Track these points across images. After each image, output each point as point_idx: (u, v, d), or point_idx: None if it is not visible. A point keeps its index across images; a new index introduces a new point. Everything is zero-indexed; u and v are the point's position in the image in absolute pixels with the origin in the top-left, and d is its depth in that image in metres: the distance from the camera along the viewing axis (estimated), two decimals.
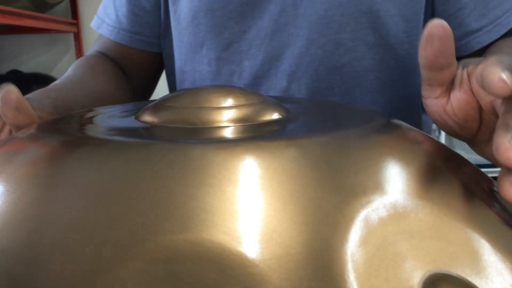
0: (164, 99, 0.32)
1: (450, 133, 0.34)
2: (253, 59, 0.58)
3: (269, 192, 0.22)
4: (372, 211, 0.22)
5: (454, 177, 0.27)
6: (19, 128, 0.35)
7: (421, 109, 0.63)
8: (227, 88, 0.32)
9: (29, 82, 2.22)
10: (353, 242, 0.21)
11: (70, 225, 0.21)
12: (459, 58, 0.32)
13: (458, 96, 0.32)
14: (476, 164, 0.32)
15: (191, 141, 0.25)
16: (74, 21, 2.31)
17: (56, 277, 0.19)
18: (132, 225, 0.20)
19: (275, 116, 0.31)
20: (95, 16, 0.70)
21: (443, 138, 2.08)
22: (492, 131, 0.31)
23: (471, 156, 0.45)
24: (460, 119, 0.33)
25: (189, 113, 0.30)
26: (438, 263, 0.21)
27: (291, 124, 0.30)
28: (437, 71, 0.32)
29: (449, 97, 0.33)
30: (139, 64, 0.70)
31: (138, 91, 0.71)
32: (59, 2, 2.15)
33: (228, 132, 0.28)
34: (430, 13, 0.59)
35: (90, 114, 0.36)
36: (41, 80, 2.25)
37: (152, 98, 0.73)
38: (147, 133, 0.30)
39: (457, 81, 0.32)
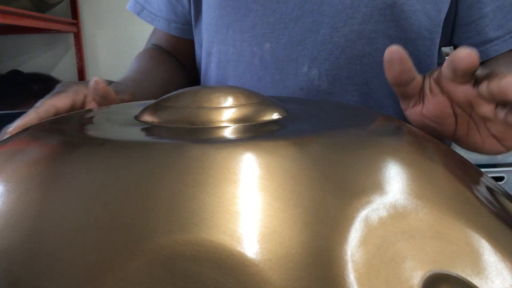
0: (164, 99, 0.32)
1: (434, 134, 0.38)
2: (275, 42, 0.59)
3: (269, 192, 0.22)
4: (372, 211, 0.22)
5: (454, 177, 0.27)
6: (103, 105, 0.46)
7: None
8: (227, 88, 0.32)
9: (29, 82, 2.22)
10: (353, 242, 0.21)
11: (70, 225, 0.21)
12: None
13: (431, 99, 0.39)
14: (476, 164, 0.33)
15: (191, 141, 0.25)
16: (74, 21, 2.31)
17: (56, 277, 0.19)
18: (132, 225, 0.20)
19: (275, 116, 0.31)
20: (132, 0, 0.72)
21: None
22: (467, 123, 0.39)
23: (471, 156, 0.45)
24: (438, 117, 0.39)
25: (189, 113, 0.30)
26: (438, 263, 0.21)
27: (291, 124, 0.30)
28: (405, 86, 0.39)
29: (423, 103, 0.40)
30: (186, 52, 0.74)
31: (192, 77, 0.75)
32: (59, 2, 2.15)
33: (228, 132, 0.28)
34: (453, 17, 0.60)
35: (90, 114, 0.36)
36: (41, 80, 2.25)
37: None
38: (147, 133, 0.30)
39: (426, 87, 0.40)
